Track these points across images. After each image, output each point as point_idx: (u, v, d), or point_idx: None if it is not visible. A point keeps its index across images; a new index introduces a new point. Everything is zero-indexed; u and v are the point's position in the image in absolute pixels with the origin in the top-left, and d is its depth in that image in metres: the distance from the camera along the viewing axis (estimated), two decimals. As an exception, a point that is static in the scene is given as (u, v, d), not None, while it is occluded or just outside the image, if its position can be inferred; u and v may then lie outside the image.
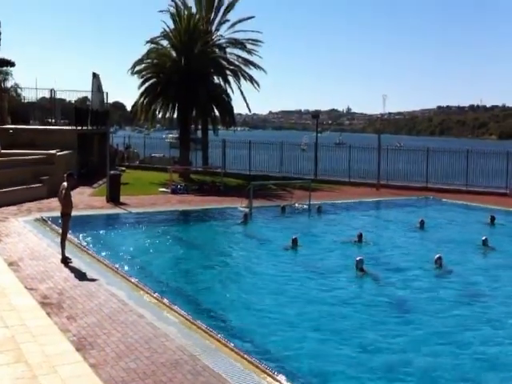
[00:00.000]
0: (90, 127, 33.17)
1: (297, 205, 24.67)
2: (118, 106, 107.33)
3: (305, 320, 10.81)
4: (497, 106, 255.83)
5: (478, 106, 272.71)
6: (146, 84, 34.59)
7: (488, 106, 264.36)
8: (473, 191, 30.73)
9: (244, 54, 36.20)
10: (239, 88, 35.66)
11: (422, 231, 20.36)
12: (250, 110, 40.63)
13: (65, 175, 14.15)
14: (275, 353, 9.05)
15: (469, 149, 33.84)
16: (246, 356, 8.34)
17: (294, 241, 16.77)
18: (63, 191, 13.76)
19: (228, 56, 36.66)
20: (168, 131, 63.11)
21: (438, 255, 15.11)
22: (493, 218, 21.76)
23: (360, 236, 17.77)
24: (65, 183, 13.86)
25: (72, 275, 12.46)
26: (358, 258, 14.40)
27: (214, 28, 37.93)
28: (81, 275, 12.49)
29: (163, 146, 45.97)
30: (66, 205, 13.82)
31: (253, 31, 36.48)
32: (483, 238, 17.79)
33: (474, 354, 9.39)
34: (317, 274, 14.14)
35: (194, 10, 36.70)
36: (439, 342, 9.90)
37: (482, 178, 32.62)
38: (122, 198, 23.85)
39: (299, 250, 16.61)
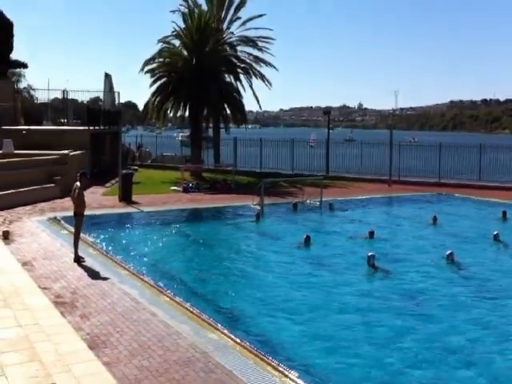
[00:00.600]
0: (102, 127, 33.34)
1: (308, 201, 24.64)
2: (130, 105, 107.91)
3: (317, 317, 10.83)
4: (510, 100, 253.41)
5: (491, 100, 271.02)
6: (158, 83, 34.71)
7: (501, 99, 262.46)
8: (486, 186, 30.53)
9: (255, 52, 36.17)
10: (250, 86, 35.69)
11: (434, 227, 20.28)
12: (260, 108, 40.79)
13: (77, 175, 14.25)
14: (287, 350, 9.07)
15: (482, 143, 33.62)
16: (258, 353, 8.35)
17: (307, 238, 16.78)
18: (76, 191, 13.83)
19: (239, 54, 36.63)
20: (179, 130, 63.29)
21: (449, 251, 15.05)
22: (504, 213, 21.66)
23: (372, 232, 17.72)
24: (78, 183, 13.94)
25: (85, 274, 12.54)
26: (369, 254, 14.38)
27: (225, 26, 37.93)
28: (94, 274, 12.57)
29: (175, 145, 46.15)
30: (79, 204, 13.90)
31: (264, 28, 36.53)
32: (494, 232, 17.70)
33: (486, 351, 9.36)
34: (329, 271, 14.13)
35: (204, 8, 36.73)
36: (451, 337, 9.88)
37: (495, 172, 32.42)
38: (134, 197, 23.96)
39: (311, 248, 16.60)
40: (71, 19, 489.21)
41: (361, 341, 9.64)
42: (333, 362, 8.75)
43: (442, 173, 32.86)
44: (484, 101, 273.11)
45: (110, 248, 15.34)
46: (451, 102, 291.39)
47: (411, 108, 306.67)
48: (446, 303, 11.79)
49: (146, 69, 34.54)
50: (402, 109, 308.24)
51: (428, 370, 8.58)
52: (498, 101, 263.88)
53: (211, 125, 38.24)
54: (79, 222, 13.97)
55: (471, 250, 16.66)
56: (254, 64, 35.98)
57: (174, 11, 35.57)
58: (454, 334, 10.06)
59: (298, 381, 7.62)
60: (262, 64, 35.93)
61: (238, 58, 36.28)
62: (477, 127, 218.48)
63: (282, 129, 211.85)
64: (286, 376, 7.71)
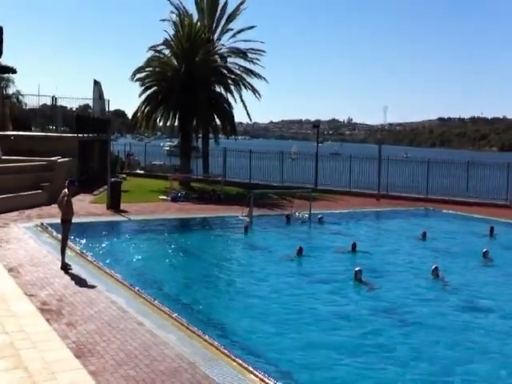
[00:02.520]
0: (90, 134, 33.21)
1: (297, 214, 24.65)
2: (119, 113, 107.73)
3: (305, 329, 10.82)
4: (498, 118, 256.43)
5: (478, 117, 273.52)
6: (148, 92, 34.67)
7: (489, 117, 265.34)
8: (473, 203, 30.71)
9: (246, 64, 36.37)
10: (240, 97, 35.78)
11: (422, 241, 20.35)
12: (250, 119, 40.68)
13: (66, 182, 14.17)
14: (275, 362, 9.03)
15: (469, 160, 33.87)
16: (245, 365, 8.30)
17: (300, 250, 16.78)
18: (65, 198, 13.75)
19: (229, 65, 36.78)
20: (168, 139, 63.24)
21: (434, 265, 15.11)
22: (492, 229, 21.80)
23: (354, 245, 17.80)
24: (66, 190, 13.86)
25: (72, 282, 12.44)
26: (356, 269, 14.37)
27: (215, 37, 38.10)
28: (81, 282, 12.47)
29: (163, 154, 46.04)
30: (67, 212, 13.81)
31: (255, 41, 36.77)
32: (484, 250, 17.74)
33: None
34: (316, 284, 14.14)
35: (196, 18, 36.85)
36: (436, 352, 9.90)
37: (482, 189, 32.66)
38: (123, 206, 23.85)
39: (300, 260, 16.60)
40: (62, 25, 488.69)
41: (340, 350, 9.63)
42: (319, 373, 8.74)
43: (429, 188, 33.02)
44: (472, 118, 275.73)
45: (97, 256, 15.22)
46: (439, 119, 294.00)
47: (400, 124, 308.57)
48: (431, 318, 11.83)
49: (136, 77, 34.52)
50: (390, 124, 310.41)
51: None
52: (485, 119, 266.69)
53: (200, 135, 38.23)
54: (66, 229, 13.87)
55: (458, 266, 16.74)
56: (244, 75, 36.13)
57: (164, 20, 35.67)
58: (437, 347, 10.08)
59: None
60: (252, 76, 36.15)
61: (228, 69, 36.41)
62: (465, 144, 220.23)
63: (272, 141, 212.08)
64: (274, 388, 7.67)
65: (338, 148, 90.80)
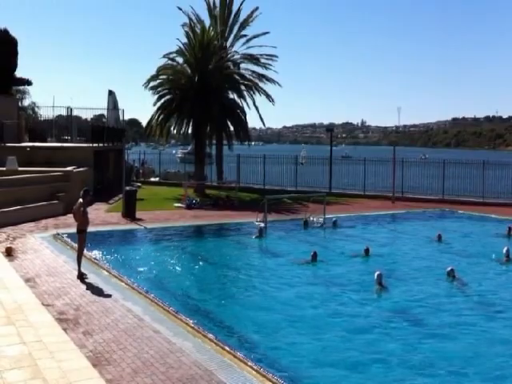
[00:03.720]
0: (105, 144, 33.45)
1: (311, 218, 24.58)
2: (133, 122, 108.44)
3: (321, 334, 10.79)
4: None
5: (493, 116, 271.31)
6: (162, 100, 34.81)
7: (504, 116, 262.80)
8: (489, 203, 30.48)
9: (259, 69, 36.46)
10: (254, 102, 35.84)
11: (438, 243, 20.23)
12: (264, 125, 40.81)
13: (81, 192, 14.28)
14: (291, 368, 9.01)
15: (485, 160, 33.60)
16: (261, 371, 8.30)
17: (314, 255, 16.74)
18: (80, 208, 13.86)
19: (243, 71, 36.86)
20: (182, 147, 63.46)
21: (450, 267, 15.00)
22: (510, 229, 21.60)
23: (367, 250, 17.76)
24: (81, 200, 13.98)
25: (88, 291, 12.53)
26: (377, 273, 14.27)
27: (228, 44, 38.21)
28: (97, 291, 12.56)
29: (176, 162, 46.20)
30: (82, 221, 13.94)
31: (267, 46, 36.84)
32: (505, 249, 17.48)
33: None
34: (333, 289, 14.09)
35: (208, 25, 36.96)
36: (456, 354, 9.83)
37: (499, 188, 32.37)
38: (138, 214, 23.97)
39: (315, 265, 16.55)
40: (76, 36, 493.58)
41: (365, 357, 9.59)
42: (339, 378, 8.70)
43: (445, 189, 32.81)
44: (487, 118, 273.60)
45: (113, 265, 15.32)
46: (454, 119, 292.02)
47: (414, 125, 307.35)
48: (449, 321, 11.75)
49: (150, 85, 34.69)
50: (404, 125, 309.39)
51: None
52: (500, 118, 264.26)
53: (214, 141, 38.34)
54: (82, 238, 14.00)
55: (475, 267, 16.60)
56: (257, 81, 36.16)
57: (182, 25, 35.68)
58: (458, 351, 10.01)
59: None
60: (265, 81, 36.20)
61: (241, 75, 36.48)
62: (480, 144, 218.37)
63: (286, 146, 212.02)
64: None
65: (348, 151, 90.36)
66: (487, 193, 31.95)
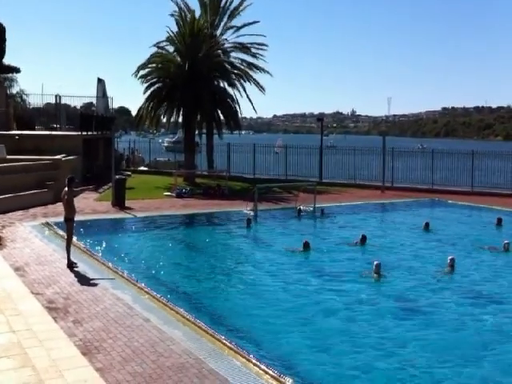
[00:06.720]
0: (95, 132, 33.26)
1: (301, 207, 24.62)
2: (123, 110, 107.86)
3: (308, 323, 10.83)
4: (502, 107, 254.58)
5: (483, 107, 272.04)
6: (151, 89, 34.61)
7: (493, 106, 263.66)
8: (479, 192, 30.62)
9: (249, 58, 36.23)
10: (244, 91, 35.68)
11: (426, 233, 20.30)
12: (256, 112, 40.71)
13: (66, 180, 14.19)
14: (283, 357, 9.03)
15: (474, 150, 33.71)
16: (252, 359, 8.32)
17: (305, 244, 16.76)
18: (65, 196, 13.81)
19: (233, 60, 36.64)
20: (172, 135, 63.22)
21: (450, 257, 15.01)
22: (500, 220, 21.71)
23: (363, 238, 17.75)
24: (66, 188, 13.91)
25: (77, 280, 12.50)
26: (375, 263, 14.28)
27: (218, 32, 37.95)
28: (86, 280, 12.53)
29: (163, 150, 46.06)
30: (69, 210, 13.87)
31: (257, 35, 36.57)
32: (505, 241, 17.36)
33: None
34: (325, 278, 14.11)
35: (199, 14, 36.69)
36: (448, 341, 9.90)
37: (487, 179, 32.53)
38: (127, 203, 23.89)
39: (305, 253, 16.59)
40: (65, 24, 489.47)
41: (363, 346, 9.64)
42: (329, 370, 8.74)
43: (435, 179, 32.94)
44: (476, 108, 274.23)
45: (102, 253, 15.27)
46: (443, 108, 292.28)
47: (404, 115, 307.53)
48: (441, 310, 11.82)
49: (140, 74, 34.48)
50: (394, 115, 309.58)
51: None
52: (490, 108, 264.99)
53: (204, 130, 38.18)
54: (70, 227, 13.94)
55: (464, 257, 16.67)
56: (247, 70, 36.00)
57: (171, 15, 35.44)
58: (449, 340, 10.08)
59: (293, 387, 7.60)
60: (255, 70, 35.99)
61: (231, 63, 36.29)
62: (469, 134, 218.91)
63: (277, 135, 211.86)
64: (281, 382, 7.67)
65: (333, 141, 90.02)
66: (477, 182, 32.08)
